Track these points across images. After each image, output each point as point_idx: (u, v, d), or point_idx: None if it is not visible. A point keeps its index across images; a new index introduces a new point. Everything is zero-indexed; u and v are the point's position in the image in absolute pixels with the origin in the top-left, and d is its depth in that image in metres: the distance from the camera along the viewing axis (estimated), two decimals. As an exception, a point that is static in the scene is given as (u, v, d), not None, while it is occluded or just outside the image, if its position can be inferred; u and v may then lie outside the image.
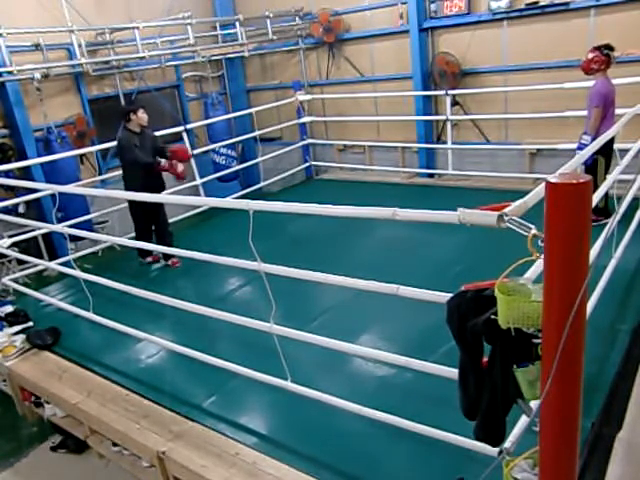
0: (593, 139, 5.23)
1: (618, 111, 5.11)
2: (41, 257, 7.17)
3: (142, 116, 5.54)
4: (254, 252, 2.80)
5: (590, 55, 5.33)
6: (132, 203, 5.71)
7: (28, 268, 6.05)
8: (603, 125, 5.31)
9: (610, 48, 5.29)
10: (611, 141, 5.23)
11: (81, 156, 7.88)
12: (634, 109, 4.58)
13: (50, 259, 6.76)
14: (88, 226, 6.80)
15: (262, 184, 8.16)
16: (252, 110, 8.35)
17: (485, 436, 2.00)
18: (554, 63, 6.96)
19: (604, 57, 5.27)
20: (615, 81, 6.05)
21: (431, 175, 8.10)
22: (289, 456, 2.90)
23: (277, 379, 3.09)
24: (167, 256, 5.82)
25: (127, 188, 5.58)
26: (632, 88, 5.96)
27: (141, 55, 7.79)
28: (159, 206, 5.74)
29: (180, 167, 5.60)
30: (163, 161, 5.55)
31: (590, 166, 5.24)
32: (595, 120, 5.30)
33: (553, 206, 1.48)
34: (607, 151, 5.27)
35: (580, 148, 5.36)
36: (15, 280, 5.55)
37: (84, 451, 4.47)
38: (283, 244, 5.99)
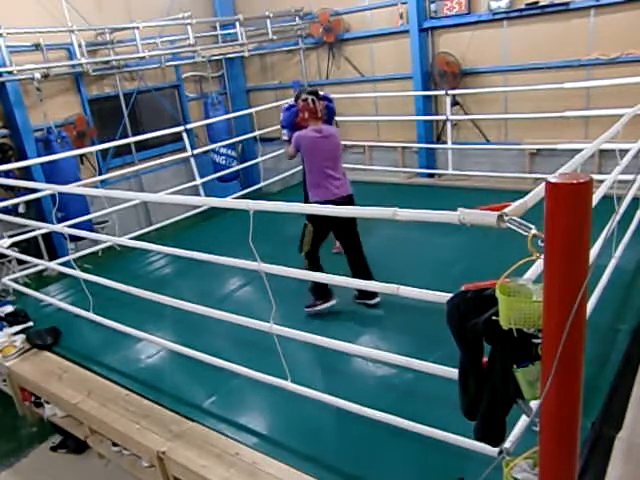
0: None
1: (618, 111, 5.08)
2: (41, 257, 7.17)
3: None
4: (254, 252, 2.80)
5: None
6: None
7: (28, 268, 6.04)
8: (313, 190, 4.15)
9: (315, 93, 4.55)
10: (327, 218, 3.77)
11: (81, 156, 7.88)
12: (634, 109, 4.57)
13: (50, 259, 6.76)
14: (88, 226, 6.80)
15: (262, 184, 8.14)
16: (252, 110, 8.33)
17: (485, 436, 2.00)
18: (554, 63, 6.96)
19: (306, 103, 4.36)
20: (615, 81, 6.06)
21: (431, 175, 8.10)
22: (289, 456, 2.90)
23: (277, 379, 3.09)
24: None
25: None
26: (632, 88, 5.96)
27: (141, 55, 7.79)
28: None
29: None
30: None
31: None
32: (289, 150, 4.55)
33: (553, 206, 1.48)
34: (318, 222, 4.01)
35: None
36: (15, 280, 5.54)
37: (84, 451, 4.47)
38: (283, 244, 5.99)
